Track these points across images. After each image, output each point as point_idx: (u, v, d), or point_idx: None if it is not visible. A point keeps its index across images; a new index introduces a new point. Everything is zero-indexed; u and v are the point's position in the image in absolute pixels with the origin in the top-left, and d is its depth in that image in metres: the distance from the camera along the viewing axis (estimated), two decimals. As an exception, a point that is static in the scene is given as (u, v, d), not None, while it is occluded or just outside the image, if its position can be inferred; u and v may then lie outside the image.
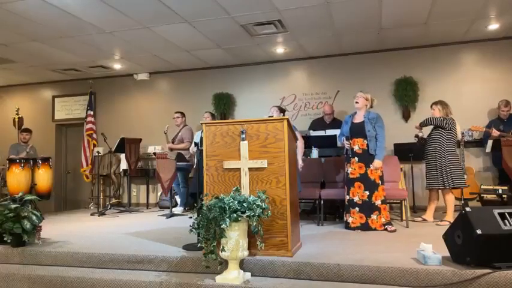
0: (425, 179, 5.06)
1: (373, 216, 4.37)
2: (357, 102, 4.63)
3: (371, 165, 4.43)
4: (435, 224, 4.74)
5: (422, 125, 5.02)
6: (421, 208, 6.20)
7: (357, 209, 4.43)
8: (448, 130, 4.82)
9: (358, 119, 4.62)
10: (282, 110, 5.16)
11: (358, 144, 4.49)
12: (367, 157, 4.45)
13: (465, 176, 5.14)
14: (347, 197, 4.53)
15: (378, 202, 4.39)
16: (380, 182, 4.43)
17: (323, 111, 6.84)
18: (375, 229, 4.34)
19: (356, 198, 4.45)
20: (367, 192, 4.41)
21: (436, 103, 5.03)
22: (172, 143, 6.78)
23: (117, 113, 8.41)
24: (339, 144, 5.94)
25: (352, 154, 4.52)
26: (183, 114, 6.96)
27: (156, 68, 7.95)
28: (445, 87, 6.67)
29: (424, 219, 4.96)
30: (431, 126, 5.01)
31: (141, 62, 7.51)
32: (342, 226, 4.75)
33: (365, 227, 4.37)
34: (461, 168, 4.89)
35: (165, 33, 5.99)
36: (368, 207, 4.40)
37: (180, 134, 6.82)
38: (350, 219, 4.46)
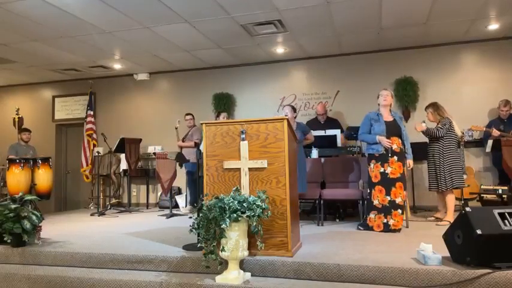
0: (426, 179, 5.07)
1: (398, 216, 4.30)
2: (385, 100, 4.48)
3: (405, 165, 4.39)
4: (435, 224, 4.75)
5: (425, 134, 5.01)
6: (421, 208, 6.20)
7: (399, 211, 4.25)
8: (447, 132, 4.83)
9: (388, 117, 4.47)
10: (295, 110, 5.23)
11: (395, 143, 4.34)
12: (403, 156, 4.38)
13: (465, 176, 5.16)
14: (388, 198, 4.27)
15: (404, 203, 4.39)
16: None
17: (316, 111, 6.82)
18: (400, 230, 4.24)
19: (398, 200, 4.25)
20: (405, 193, 4.32)
21: (427, 106, 5.11)
22: (183, 141, 6.81)
23: (117, 113, 8.41)
24: (339, 144, 5.95)
25: (392, 153, 4.31)
26: (192, 116, 7.02)
27: (156, 68, 7.94)
28: (445, 87, 6.67)
29: (438, 218, 4.98)
30: (432, 125, 5.03)
31: (141, 62, 7.51)
32: (343, 226, 4.75)
33: (398, 229, 4.25)
34: (462, 168, 4.89)
35: (165, 33, 5.99)
36: (405, 208, 4.33)
37: (190, 133, 6.84)
38: (391, 222, 4.23)
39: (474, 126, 5.77)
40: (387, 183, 4.28)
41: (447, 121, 4.87)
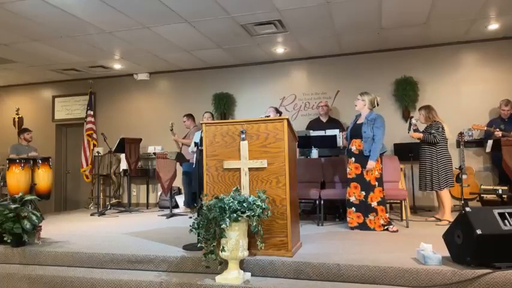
0: (419, 181, 5.12)
1: (371, 217, 4.39)
2: (355, 105, 4.68)
3: (364, 167, 4.45)
4: (435, 224, 4.75)
5: (421, 141, 5.06)
6: (421, 208, 6.20)
7: (353, 208, 4.49)
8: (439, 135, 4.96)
9: (360, 120, 4.65)
10: (279, 111, 5.21)
11: (355, 145, 4.53)
12: (362, 158, 4.46)
13: (464, 176, 5.24)
14: (346, 197, 4.59)
15: (374, 203, 4.40)
16: (376, 183, 4.42)
17: (319, 111, 6.81)
18: (374, 229, 4.36)
19: (353, 198, 4.50)
20: (363, 193, 4.45)
21: (421, 108, 5.23)
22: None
23: (117, 113, 8.41)
24: (339, 144, 5.95)
25: (350, 154, 4.57)
26: (188, 116, 6.90)
27: (156, 68, 7.95)
28: (445, 87, 6.67)
29: (438, 219, 5.00)
30: (423, 128, 5.15)
31: (141, 62, 7.51)
32: (342, 226, 4.77)
33: (363, 227, 4.39)
34: (451, 169, 4.95)
35: (165, 33, 5.99)
36: (365, 208, 4.42)
37: (188, 133, 6.81)
38: (348, 219, 4.52)
39: (475, 125, 5.77)
40: (346, 182, 4.63)
41: (439, 125, 4.96)
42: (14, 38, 6.03)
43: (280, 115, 5.10)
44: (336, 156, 5.87)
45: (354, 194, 4.49)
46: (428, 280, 2.69)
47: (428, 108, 5.15)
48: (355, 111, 4.79)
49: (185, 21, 5.52)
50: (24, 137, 6.82)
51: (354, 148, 4.54)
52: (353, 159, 4.53)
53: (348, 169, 4.59)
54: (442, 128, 4.94)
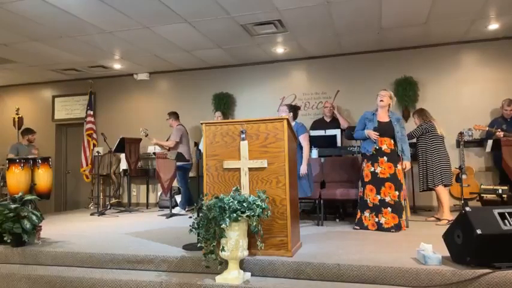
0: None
1: (404, 217, 4.36)
2: (381, 101, 4.52)
3: (398, 166, 4.41)
4: (435, 224, 4.75)
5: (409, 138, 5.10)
6: (421, 208, 6.20)
7: (389, 209, 4.32)
8: (429, 134, 5.04)
9: (383, 118, 4.52)
10: (292, 108, 4.88)
11: (386, 144, 4.41)
12: (395, 157, 4.41)
13: (464, 176, 5.27)
14: (378, 197, 4.36)
15: (403, 202, 4.41)
16: (403, 182, 4.44)
17: (322, 110, 6.82)
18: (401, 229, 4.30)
19: (388, 198, 4.33)
20: (397, 193, 4.34)
21: (413, 114, 5.44)
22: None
23: (117, 113, 8.41)
24: (339, 144, 5.95)
25: (381, 154, 4.40)
26: (170, 114, 6.81)
27: (156, 68, 7.94)
28: (445, 87, 6.67)
29: (438, 219, 5.01)
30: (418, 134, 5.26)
31: (141, 62, 7.51)
32: (343, 226, 4.75)
33: (397, 228, 4.27)
34: (450, 167, 5.02)
35: (165, 33, 5.99)
36: (399, 208, 4.33)
37: (172, 133, 6.77)
38: (383, 220, 4.32)
39: (477, 125, 5.77)
40: (377, 182, 4.38)
41: (425, 125, 5.09)
42: (14, 38, 6.03)
43: (294, 111, 4.86)
44: (336, 156, 5.87)
45: (389, 194, 4.32)
46: (428, 280, 2.68)
47: (419, 112, 5.31)
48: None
49: (185, 21, 5.52)
50: (29, 138, 6.84)
51: (384, 147, 4.40)
52: (385, 158, 4.38)
53: (379, 168, 4.37)
54: (431, 127, 5.05)
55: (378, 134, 4.41)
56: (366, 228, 4.38)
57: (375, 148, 4.43)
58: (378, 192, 4.37)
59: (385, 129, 4.44)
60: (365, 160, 4.51)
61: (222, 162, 3.31)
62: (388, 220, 4.31)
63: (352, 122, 6.67)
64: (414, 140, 5.27)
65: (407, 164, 4.48)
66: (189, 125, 7.71)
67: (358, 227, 4.45)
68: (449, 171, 4.98)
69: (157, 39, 6.18)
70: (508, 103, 5.94)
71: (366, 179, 4.44)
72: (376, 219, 4.35)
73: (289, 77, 7.51)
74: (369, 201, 4.40)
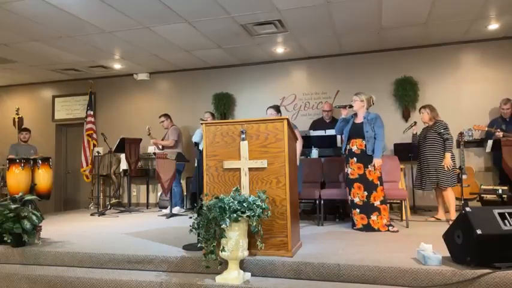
0: (422, 180, 5.13)
1: (373, 217, 4.36)
2: (351, 106, 4.66)
3: (369, 166, 4.42)
4: (447, 222, 4.73)
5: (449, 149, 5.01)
6: (421, 208, 6.20)
7: (358, 210, 4.44)
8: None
9: (359, 119, 4.63)
10: (277, 108, 5.08)
11: (356, 145, 4.50)
12: (365, 158, 4.44)
13: (465, 176, 5.31)
14: (349, 198, 4.57)
15: (377, 203, 4.38)
16: (378, 182, 4.42)
17: (322, 109, 6.83)
18: (378, 229, 4.32)
19: (356, 199, 4.45)
20: (365, 193, 4.41)
21: (424, 107, 5.25)
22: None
23: (117, 113, 8.41)
24: (339, 144, 5.95)
25: (351, 155, 4.52)
26: (166, 116, 6.98)
27: (156, 68, 7.94)
28: (445, 87, 6.67)
29: (438, 219, 5.01)
30: (424, 126, 5.23)
31: (141, 62, 7.51)
32: (343, 226, 4.77)
33: (368, 228, 4.35)
34: (455, 168, 5.00)
35: (165, 33, 5.99)
36: (368, 208, 4.39)
37: (167, 134, 6.85)
38: (354, 220, 4.47)
39: (476, 125, 5.78)
40: (349, 183, 4.57)
41: (444, 123, 5.03)
42: (14, 38, 6.03)
43: (280, 112, 5.03)
44: (336, 156, 5.86)
45: (358, 195, 4.44)
46: (428, 280, 2.68)
47: (431, 107, 5.19)
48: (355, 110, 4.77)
49: (185, 21, 5.52)
50: (19, 137, 6.85)
51: (355, 148, 4.50)
52: (355, 159, 4.48)
53: (349, 169, 4.54)
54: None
55: (349, 140, 4.57)
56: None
57: (348, 149, 4.58)
58: (349, 193, 4.55)
59: (357, 131, 4.54)
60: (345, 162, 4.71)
61: (222, 163, 3.31)
62: (357, 221, 4.43)
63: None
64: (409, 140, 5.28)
65: (375, 161, 4.42)
66: (189, 125, 7.72)
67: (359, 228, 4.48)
68: (455, 172, 4.98)
69: (158, 39, 6.18)
70: (505, 102, 5.96)
71: (344, 180, 4.71)
72: (353, 218, 4.52)
73: (289, 77, 7.52)
74: (349, 202, 4.59)
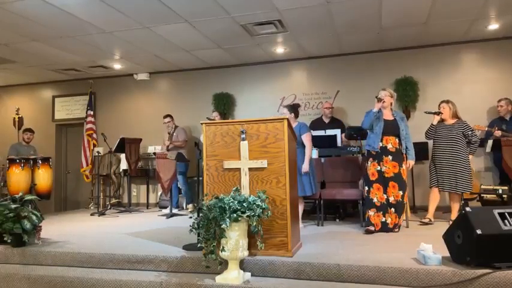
0: (427, 179, 5.04)
1: (403, 217, 4.31)
2: (384, 102, 4.42)
3: (403, 165, 4.34)
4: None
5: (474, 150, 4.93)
6: (421, 208, 6.20)
7: (393, 209, 4.27)
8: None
9: (388, 116, 4.46)
10: (293, 108, 4.79)
11: (391, 143, 4.35)
12: (400, 156, 4.35)
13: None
14: (385, 196, 4.30)
15: (406, 203, 4.36)
16: (406, 182, 4.39)
17: (323, 107, 6.81)
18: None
19: (391, 198, 4.28)
20: (400, 192, 4.28)
21: (447, 101, 4.95)
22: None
23: (117, 113, 8.40)
24: (339, 144, 5.95)
25: (385, 152, 4.32)
26: (170, 117, 7.05)
27: (156, 68, 7.94)
28: (445, 87, 6.67)
29: (430, 220, 4.92)
30: (437, 123, 4.95)
31: (141, 62, 7.50)
32: (343, 226, 4.75)
33: (398, 227, 4.29)
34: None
35: (165, 33, 5.99)
36: (400, 208, 4.28)
37: (175, 134, 6.88)
38: (389, 220, 4.27)
39: (477, 125, 5.77)
40: (383, 181, 4.31)
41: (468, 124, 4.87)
42: (14, 38, 6.03)
43: (295, 111, 4.77)
44: (336, 156, 5.86)
45: (393, 194, 4.27)
46: (428, 280, 2.68)
47: (453, 103, 4.92)
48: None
49: (185, 21, 5.51)
50: (23, 137, 6.86)
51: (389, 146, 4.33)
52: (390, 157, 4.30)
53: (384, 167, 4.30)
54: None
55: (383, 137, 4.34)
56: (374, 227, 4.28)
57: (380, 146, 4.34)
58: (385, 192, 4.31)
59: (391, 128, 4.38)
60: (370, 158, 4.40)
61: (222, 162, 3.31)
62: (392, 220, 4.28)
63: (353, 121, 6.68)
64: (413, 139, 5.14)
65: (410, 162, 4.44)
66: (189, 125, 7.72)
67: (369, 227, 4.28)
68: (472, 177, 4.88)
69: (157, 39, 6.18)
70: (499, 100, 5.96)
71: (372, 178, 4.34)
72: (383, 219, 4.27)
73: (289, 77, 7.51)
74: (376, 200, 4.30)
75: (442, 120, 4.96)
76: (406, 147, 4.42)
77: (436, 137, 4.93)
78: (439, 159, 4.86)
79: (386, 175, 4.31)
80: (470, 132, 4.79)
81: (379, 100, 4.41)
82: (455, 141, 4.79)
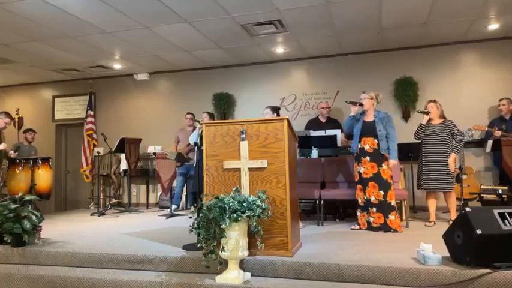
0: (423, 180, 5.00)
1: (391, 217, 4.30)
2: (361, 104, 4.55)
3: (383, 165, 4.37)
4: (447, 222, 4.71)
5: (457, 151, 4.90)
6: (421, 208, 6.20)
7: (374, 209, 4.35)
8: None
9: (369, 117, 4.55)
10: (275, 109, 4.94)
11: (368, 144, 4.43)
12: (378, 157, 4.39)
13: (465, 176, 5.26)
14: (364, 196, 4.43)
15: (393, 202, 4.36)
16: (391, 182, 4.40)
17: (321, 107, 6.80)
18: (395, 230, 4.26)
19: (372, 198, 4.37)
20: (381, 192, 4.33)
21: (434, 101, 4.99)
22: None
23: (117, 113, 8.41)
24: (339, 144, 5.95)
25: (363, 153, 4.44)
26: (193, 115, 6.98)
27: (156, 68, 7.95)
28: (445, 87, 6.67)
29: (435, 223, 4.91)
30: (425, 123, 4.96)
31: (141, 62, 7.51)
32: (343, 226, 4.76)
33: (385, 228, 4.29)
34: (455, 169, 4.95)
35: (165, 33, 5.99)
36: (385, 207, 4.32)
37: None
38: (371, 219, 4.37)
39: (476, 125, 5.77)
40: (362, 182, 4.46)
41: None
42: (14, 38, 6.03)
43: (277, 113, 4.91)
44: (336, 156, 5.86)
45: (373, 194, 4.36)
46: (428, 280, 2.68)
47: (439, 104, 4.96)
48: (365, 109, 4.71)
49: (185, 21, 5.52)
50: (26, 137, 6.85)
51: (367, 147, 4.43)
52: (368, 158, 4.41)
53: (362, 168, 4.44)
54: None
55: (361, 138, 4.47)
56: (359, 226, 4.50)
57: (359, 148, 4.49)
58: (364, 192, 4.46)
59: (368, 129, 4.48)
60: (355, 160, 4.60)
61: (222, 163, 3.31)
62: (375, 219, 4.37)
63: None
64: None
65: (393, 162, 4.41)
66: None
67: (354, 226, 4.54)
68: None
69: (157, 39, 6.18)
70: (500, 99, 5.96)
71: (356, 179, 4.57)
72: (367, 218, 4.43)
73: (289, 77, 7.52)
74: (360, 201, 4.50)
75: (429, 120, 4.98)
76: (388, 148, 4.41)
77: (425, 137, 4.95)
78: (427, 159, 4.88)
79: (365, 176, 4.44)
80: (456, 131, 4.83)
81: (353, 104, 4.57)
82: (443, 140, 4.83)
